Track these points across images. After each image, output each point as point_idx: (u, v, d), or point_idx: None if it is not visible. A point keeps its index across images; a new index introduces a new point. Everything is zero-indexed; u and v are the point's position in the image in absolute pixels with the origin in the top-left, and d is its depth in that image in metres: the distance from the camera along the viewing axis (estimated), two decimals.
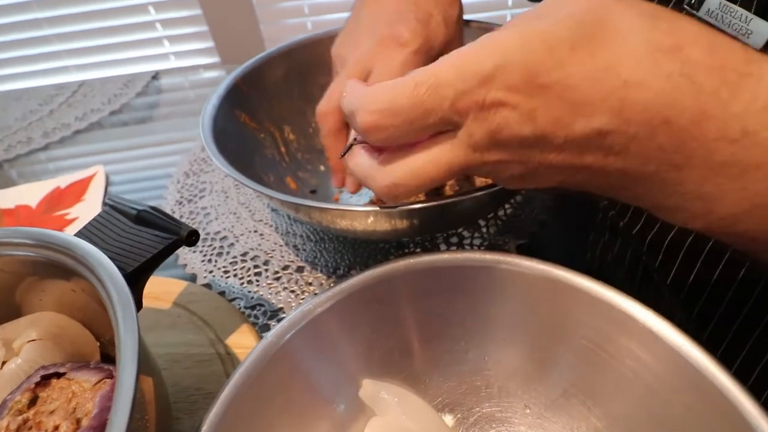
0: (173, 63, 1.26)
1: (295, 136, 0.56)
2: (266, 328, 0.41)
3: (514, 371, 0.32)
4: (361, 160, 0.29)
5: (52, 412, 0.26)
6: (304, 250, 0.48)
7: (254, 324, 0.41)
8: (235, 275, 0.46)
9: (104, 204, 0.34)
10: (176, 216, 0.53)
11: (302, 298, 0.43)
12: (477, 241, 0.47)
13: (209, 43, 1.21)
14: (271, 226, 0.51)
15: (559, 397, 0.30)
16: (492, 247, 0.47)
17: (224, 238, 0.50)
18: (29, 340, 0.29)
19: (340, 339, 0.30)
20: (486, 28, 0.52)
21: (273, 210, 0.53)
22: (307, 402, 0.29)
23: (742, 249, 0.26)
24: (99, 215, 0.33)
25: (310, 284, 0.44)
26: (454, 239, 0.48)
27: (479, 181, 0.47)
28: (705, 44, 0.21)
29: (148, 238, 0.31)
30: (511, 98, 0.22)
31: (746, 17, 0.35)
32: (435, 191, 0.46)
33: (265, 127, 0.53)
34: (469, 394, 0.32)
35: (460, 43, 0.44)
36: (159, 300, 0.40)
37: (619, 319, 0.27)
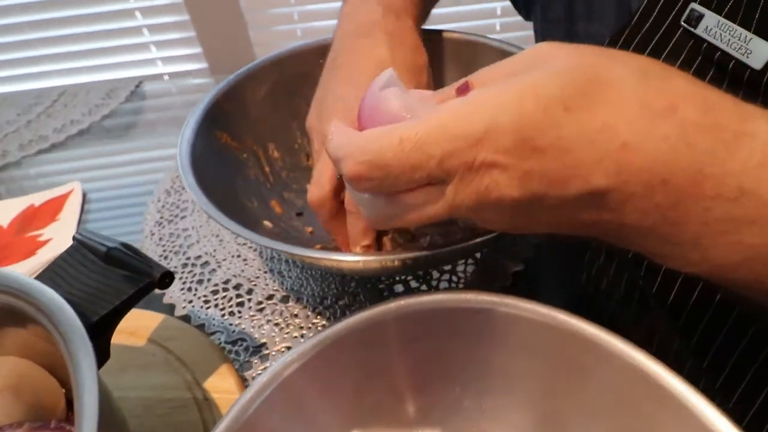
0: (160, 68, 1.23)
1: (280, 153, 0.53)
2: (248, 366, 0.38)
3: (514, 424, 0.30)
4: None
5: None
6: (290, 277, 0.45)
7: (235, 361, 0.39)
8: (216, 305, 0.43)
9: (73, 238, 0.31)
10: (155, 238, 0.51)
11: (287, 332, 0.41)
12: (471, 268, 0.45)
13: (197, 49, 1.18)
14: (255, 250, 0.49)
15: None
16: (487, 273, 0.45)
17: (206, 263, 0.48)
18: None
19: (323, 394, 0.28)
20: (471, 41, 0.51)
21: None
22: None
23: (738, 293, 0.25)
24: (66, 252, 0.30)
25: (296, 316, 0.42)
26: (447, 266, 0.46)
27: None
28: (698, 102, 0.21)
29: (118, 281, 0.28)
30: (503, 160, 0.22)
31: (746, 37, 0.34)
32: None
33: (247, 146, 0.51)
34: None
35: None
36: (133, 336, 0.38)
37: (642, 383, 0.25)
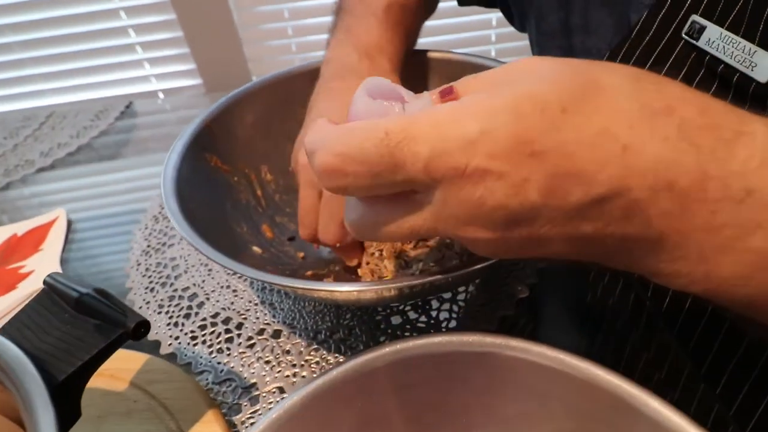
0: (154, 85, 1.22)
1: (273, 176, 0.51)
2: (236, 409, 0.36)
3: None
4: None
5: None
6: (282, 309, 0.43)
7: (223, 404, 0.36)
8: (204, 342, 0.41)
9: (44, 282, 0.29)
10: (142, 269, 0.48)
11: (278, 371, 0.38)
12: (472, 295, 0.43)
13: (191, 65, 1.17)
14: (245, 280, 0.46)
15: None
16: (491, 301, 0.42)
17: (194, 295, 0.45)
18: None
19: None
20: (457, 60, 0.51)
21: None
22: None
23: (743, 315, 0.24)
24: (34, 299, 0.28)
25: (288, 353, 0.39)
26: (447, 294, 0.43)
27: None
28: (695, 104, 0.21)
29: (89, 332, 0.26)
30: (498, 167, 0.20)
31: (750, 49, 0.32)
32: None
33: (239, 169, 0.49)
34: None
35: None
36: (114, 379, 0.35)
37: None
